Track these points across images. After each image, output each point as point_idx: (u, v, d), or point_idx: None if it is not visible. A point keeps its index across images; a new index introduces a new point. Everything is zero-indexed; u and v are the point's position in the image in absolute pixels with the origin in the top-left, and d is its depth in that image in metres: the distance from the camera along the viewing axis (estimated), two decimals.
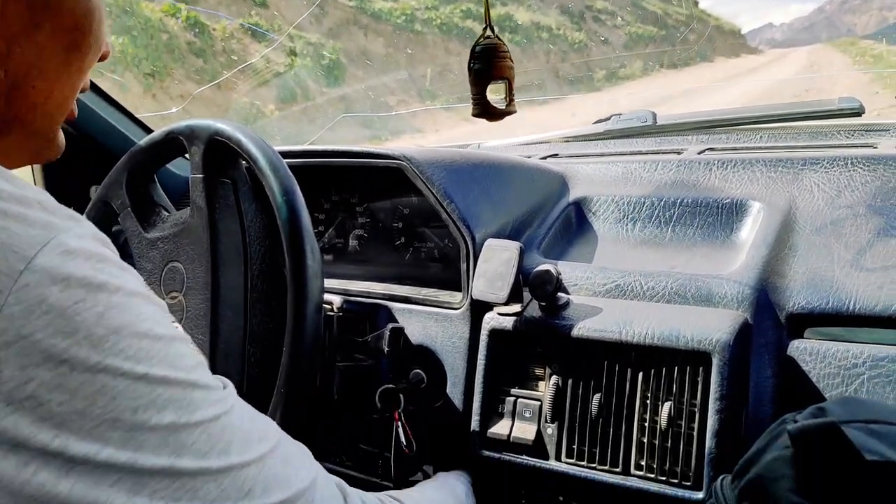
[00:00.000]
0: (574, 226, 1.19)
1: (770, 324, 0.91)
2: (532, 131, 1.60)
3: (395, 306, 1.13)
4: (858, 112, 1.21)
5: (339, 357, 1.06)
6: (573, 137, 1.50)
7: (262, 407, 0.84)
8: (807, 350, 0.87)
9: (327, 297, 1.08)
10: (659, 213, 1.13)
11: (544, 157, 1.41)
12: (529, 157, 1.42)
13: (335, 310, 1.07)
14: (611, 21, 28.67)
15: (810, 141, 1.25)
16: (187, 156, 0.99)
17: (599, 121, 1.48)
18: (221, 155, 0.94)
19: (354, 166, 1.17)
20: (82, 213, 1.02)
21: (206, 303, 0.94)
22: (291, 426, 0.81)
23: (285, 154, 1.17)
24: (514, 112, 0.87)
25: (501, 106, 0.87)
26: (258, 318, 0.95)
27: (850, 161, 1.05)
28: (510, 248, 0.99)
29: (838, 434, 0.45)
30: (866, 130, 1.22)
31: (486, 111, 0.87)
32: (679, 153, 1.27)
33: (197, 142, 0.95)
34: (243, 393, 0.92)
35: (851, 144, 1.18)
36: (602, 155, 1.37)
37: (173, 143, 1.01)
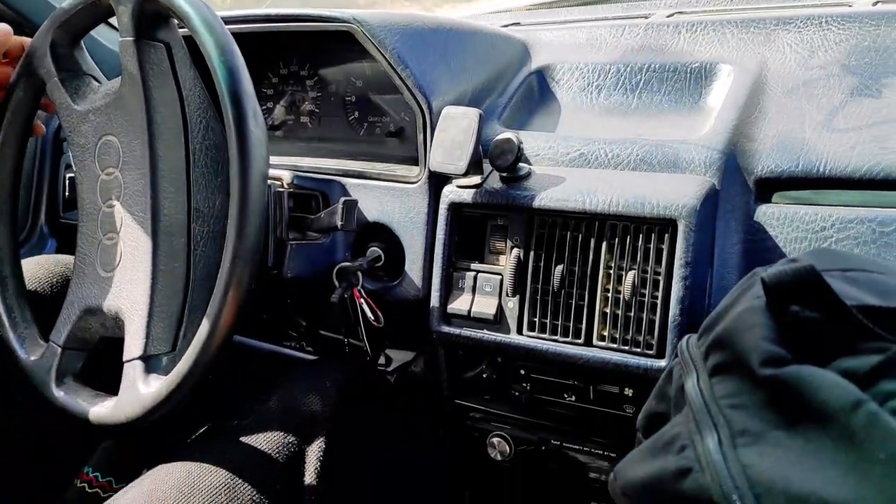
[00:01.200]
0: (536, 95, 1.13)
1: (738, 189, 0.88)
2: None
3: (349, 182, 1.08)
4: None
5: (291, 235, 1.01)
6: (536, 5, 1.42)
7: (209, 285, 0.80)
8: (774, 215, 0.85)
9: (277, 173, 1.02)
10: (625, 79, 1.07)
11: (505, 25, 1.33)
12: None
13: (285, 185, 1.01)
14: None
15: (783, 1, 1.19)
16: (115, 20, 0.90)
17: None
18: (152, 15, 0.86)
19: (301, 32, 1.08)
20: None
21: (145, 178, 0.88)
22: (240, 303, 0.77)
23: (228, 20, 1.09)
24: None
25: None
26: (202, 194, 0.89)
27: (824, 20, 1.00)
28: (469, 116, 0.93)
29: (816, 279, 0.42)
30: None
31: None
32: (647, 17, 1.20)
33: (125, 0, 0.86)
34: (189, 272, 0.88)
35: (825, 3, 1.12)
36: (566, 22, 1.30)
37: (99, 4, 0.91)
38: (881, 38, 0.94)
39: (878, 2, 1.07)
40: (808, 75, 0.95)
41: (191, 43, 0.83)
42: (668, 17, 1.18)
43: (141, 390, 0.82)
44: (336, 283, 1.02)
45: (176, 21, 0.85)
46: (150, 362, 0.84)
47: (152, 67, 0.87)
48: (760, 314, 0.44)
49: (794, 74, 0.96)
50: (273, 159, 1.15)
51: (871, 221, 0.79)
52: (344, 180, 1.08)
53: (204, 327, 0.77)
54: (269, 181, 0.98)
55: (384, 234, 1.05)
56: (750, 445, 0.38)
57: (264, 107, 1.26)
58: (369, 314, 1.02)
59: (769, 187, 0.87)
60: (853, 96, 0.90)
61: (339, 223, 0.96)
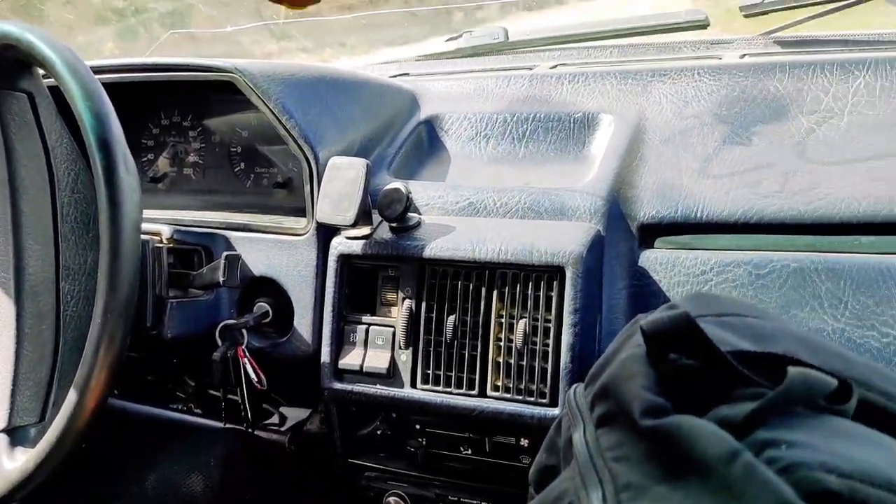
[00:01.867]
0: (426, 144, 1.13)
1: (622, 235, 0.89)
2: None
3: (233, 235, 1.04)
4: (704, 25, 1.21)
5: (172, 293, 0.96)
6: (424, 56, 1.43)
7: (81, 347, 0.74)
8: (657, 259, 0.87)
9: (156, 227, 0.97)
10: (512, 129, 1.09)
11: (394, 76, 1.33)
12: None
13: (164, 240, 0.96)
14: None
15: (659, 54, 1.24)
16: None
17: (451, 38, 1.41)
18: (12, 63, 0.81)
19: (182, 82, 1.05)
20: None
21: (6, 236, 0.82)
22: (114, 364, 0.72)
23: (101, 69, 1.04)
24: (318, 1, 0.76)
25: None
26: (72, 251, 0.84)
27: (696, 72, 1.04)
28: (356, 166, 0.92)
29: (691, 325, 0.42)
30: (712, 43, 1.23)
31: None
32: (531, 69, 1.23)
33: None
34: (58, 334, 0.82)
35: (698, 56, 1.18)
36: (454, 73, 1.31)
37: None
38: (749, 89, 0.99)
39: (745, 55, 1.13)
40: (683, 125, 0.98)
41: (57, 93, 0.79)
42: (551, 68, 1.21)
43: (5, 466, 0.75)
44: (219, 342, 0.97)
45: (39, 70, 0.81)
46: (16, 435, 0.78)
47: (14, 119, 0.82)
48: (641, 363, 0.44)
49: (670, 124, 0.99)
50: (154, 213, 1.10)
51: (748, 264, 0.82)
52: (228, 234, 1.04)
53: (73, 393, 0.72)
54: (147, 237, 0.94)
55: (272, 289, 1.01)
56: (633, 500, 0.37)
57: (145, 158, 1.21)
58: (252, 375, 0.97)
59: (651, 233, 0.89)
60: (726, 144, 0.93)
61: (221, 279, 0.92)
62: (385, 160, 1.07)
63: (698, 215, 0.86)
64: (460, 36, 1.38)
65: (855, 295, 0.77)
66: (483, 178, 1.04)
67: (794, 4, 1.14)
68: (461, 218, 0.95)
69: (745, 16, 1.17)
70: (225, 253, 0.93)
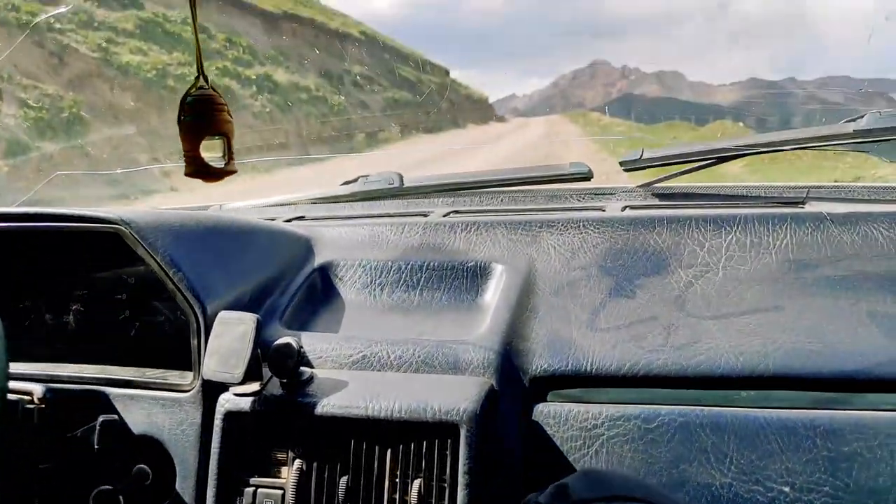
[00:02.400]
0: (319, 293, 1.12)
1: (515, 388, 0.90)
2: (295, 190, 1.52)
3: (114, 392, 0.98)
4: (587, 177, 1.28)
5: (43, 458, 0.89)
6: (320, 199, 1.44)
7: None
8: (550, 413, 0.87)
9: (26, 385, 0.91)
10: (406, 277, 1.10)
11: (289, 220, 1.33)
12: (273, 220, 1.34)
13: (36, 401, 0.90)
14: (368, 85, 29.35)
15: (547, 203, 1.29)
16: None
17: (346, 182, 1.43)
18: None
19: (66, 231, 1.01)
20: None
21: None
22: None
23: None
24: (234, 172, 0.77)
25: (219, 164, 0.77)
26: None
27: (581, 223, 1.09)
28: (246, 321, 0.89)
29: None
30: (595, 194, 1.29)
31: (201, 170, 0.77)
32: (426, 215, 1.26)
33: None
34: None
35: (583, 207, 1.24)
36: (349, 217, 1.33)
37: None
38: (631, 242, 1.04)
39: (626, 207, 1.19)
40: (571, 276, 1.02)
41: None
42: (444, 216, 1.24)
43: None
44: None
45: None
46: None
47: None
48: None
49: (559, 274, 1.03)
50: (29, 367, 1.03)
51: (637, 418, 0.83)
52: (109, 390, 0.98)
53: None
54: (17, 397, 0.88)
55: (153, 451, 0.95)
56: None
57: (23, 304, 1.15)
58: None
59: (543, 386, 0.90)
60: (612, 296, 0.97)
61: (96, 445, 0.86)
62: (277, 310, 1.05)
63: (588, 368, 0.88)
64: (356, 180, 1.41)
65: (739, 450, 0.79)
66: (377, 328, 1.03)
67: (669, 162, 1.21)
68: (355, 372, 0.94)
69: (625, 170, 1.25)
70: (101, 417, 0.88)
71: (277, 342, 0.89)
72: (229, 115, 0.79)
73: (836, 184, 1.19)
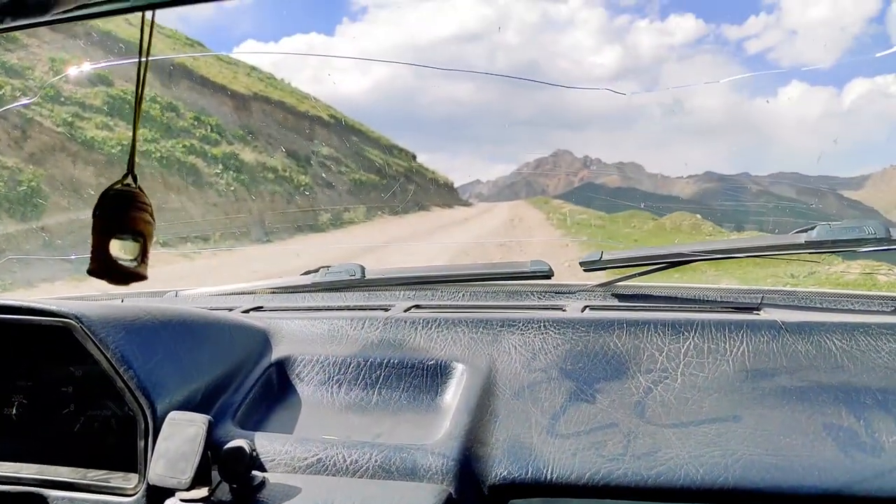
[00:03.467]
0: (275, 389, 1.09)
1: (474, 497, 0.87)
2: (258, 268, 1.50)
3: (52, 495, 0.93)
4: (548, 275, 1.29)
5: None
6: (280, 288, 1.43)
7: None
8: None
9: None
10: (365, 374, 1.07)
11: (247, 311, 1.31)
12: (232, 310, 1.31)
13: None
14: (335, 167, 29.42)
15: (507, 300, 1.29)
16: None
17: (308, 272, 1.42)
18: None
19: (12, 323, 0.98)
20: None
21: None
22: None
23: None
24: (144, 278, 0.71)
25: (129, 266, 0.71)
26: None
27: (542, 324, 1.09)
28: (196, 423, 0.86)
29: None
30: (556, 292, 1.30)
31: (105, 270, 0.69)
32: (387, 309, 1.25)
33: None
34: None
35: (543, 306, 1.24)
36: (309, 309, 1.31)
37: None
38: (591, 344, 1.04)
39: (586, 307, 1.19)
40: (531, 378, 1.01)
41: None
42: (406, 310, 1.23)
43: None
44: None
45: None
46: None
47: None
48: None
49: (519, 376, 1.02)
50: None
51: None
52: (48, 493, 0.93)
53: None
54: None
55: None
56: None
57: None
58: None
59: (503, 494, 0.88)
60: (572, 400, 0.96)
61: None
62: (231, 408, 1.01)
63: (548, 477, 0.86)
64: (317, 270, 1.40)
65: None
66: (334, 428, 1.00)
67: (628, 264, 1.23)
68: (309, 477, 0.90)
69: (585, 270, 1.26)
70: None
71: (229, 445, 0.85)
72: (151, 216, 0.75)
73: (790, 289, 1.21)
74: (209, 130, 20.24)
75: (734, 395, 0.93)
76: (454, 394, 1.02)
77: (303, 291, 1.41)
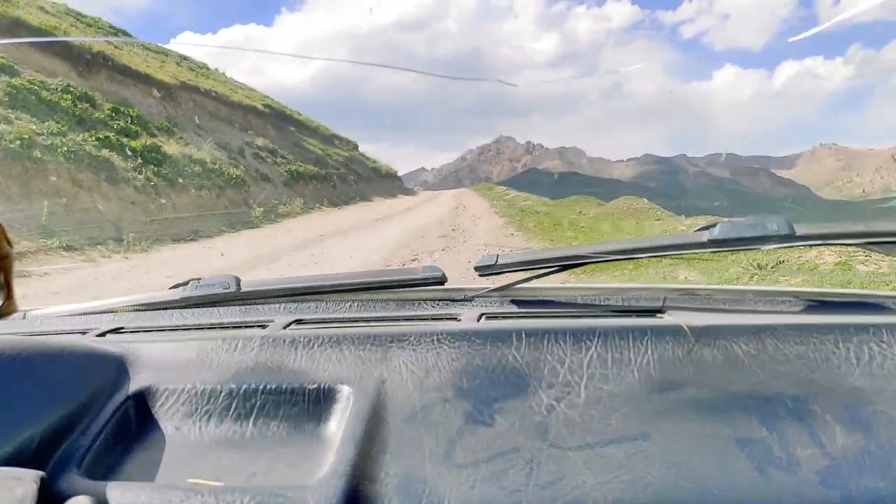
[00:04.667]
0: (133, 426, 0.96)
1: None
2: (174, 271, 1.36)
3: None
4: (441, 281, 1.21)
5: None
6: (144, 305, 1.28)
7: None
8: None
9: None
10: (238, 403, 0.95)
11: (104, 333, 1.16)
12: (86, 332, 1.16)
13: None
14: (271, 158, 28.24)
15: (399, 310, 1.20)
16: None
17: (176, 286, 1.29)
18: None
19: None
20: None
21: None
22: None
23: None
24: (14, 311, 0.61)
25: None
26: None
27: (435, 338, 0.99)
28: (25, 482, 0.73)
29: None
30: (450, 300, 1.21)
31: None
32: (265, 326, 1.13)
33: None
34: None
35: (437, 315, 1.15)
36: (177, 329, 1.17)
37: None
38: (488, 358, 0.95)
39: (482, 315, 1.11)
40: (425, 399, 0.91)
41: None
42: (285, 326, 1.11)
43: None
44: None
45: None
46: None
47: None
48: None
49: (411, 398, 0.92)
50: None
51: None
52: None
53: None
54: None
55: None
56: None
57: None
58: None
59: None
60: (468, 424, 0.87)
61: None
62: (76, 455, 0.87)
63: None
64: (187, 283, 1.26)
65: None
66: (203, 469, 0.88)
67: (525, 267, 1.15)
68: None
69: (480, 275, 1.18)
70: None
71: (70, 501, 0.73)
72: (9, 244, 0.63)
73: (693, 286, 1.16)
74: (128, 122, 18.96)
75: (641, 410, 0.86)
76: (339, 422, 0.91)
77: (170, 308, 1.27)
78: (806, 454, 0.78)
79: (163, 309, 1.29)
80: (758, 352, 0.91)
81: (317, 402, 0.95)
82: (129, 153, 16.66)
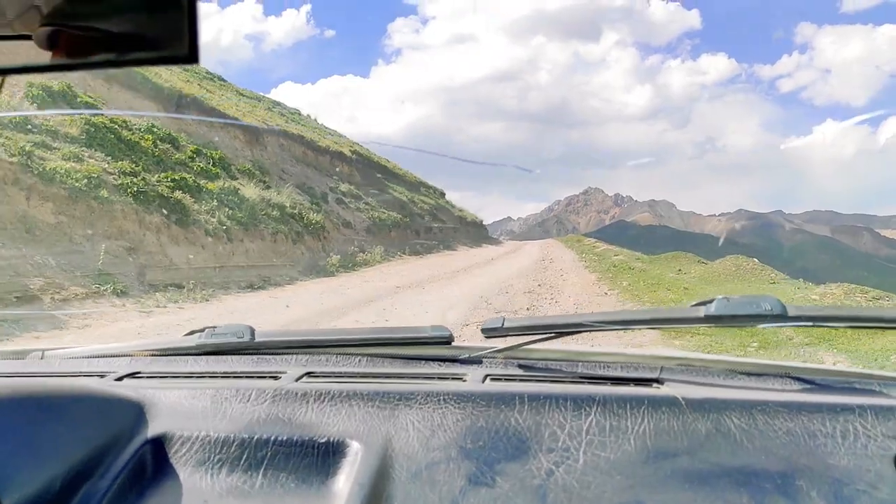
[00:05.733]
0: (149, 472, 1.00)
1: None
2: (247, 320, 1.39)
3: None
4: (448, 340, 1.25)
5: None
6: (160, 351, 1.33)
7: None
8: None
9: None
10: (250, 454, 0.99)
11: (121, 377, 1.22)
12: (104, 376, 1.22)
13: None
14: (354, 204, 26.57)
15: (406, 368, 1.24)
16: None
17: (191, 332, 1.34)
18: None
19: None
20: None
21: None
22: None
23: None
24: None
25: None
26: None
27: (442, 397, 1.03)
28: None
29: None
30: (456, 359, 1.25)
31: None
32: (277, 377, 1.17)
33: None
34: None
35: (443, 374, 1.18)
36: (191, 376, 1.22)
37: None
38: (491, 419, 0.99)
39: (487, 376, 1.13)
40: (430, 458, 0.95)
41: None
42: (297, 378, 1.15)
43: None
44: None
45: None
46: None
47: None
48: None
49: (417, 456, 0.95)
50: None
51: None
52: None
53: None
54: None
55: None
56: None
57: None
58: None
59: None
60: (471, 484, 0.90)
61: None
62: (95, 497, 0.91)
63: None
64: (202, 330, 1.32)
65: None
66: None
67: (529, 332, 1.19)
68: None
69: (487, 337, 1.21)
70: None
71: None
72: None
73: (689, 354, 1.19)
74: (210, 164, 17.91)
75: (636, 479, 0.89)
76: (347, 476, 0.95)
77: (185, 355, 1.32)
78: None
79: (178, 355, 1.34)
80: (749, 426, 0.93)
81: (325, 455, 0.98)
82: (205, 195, 15.64)
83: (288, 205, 19.41)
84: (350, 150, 32.35)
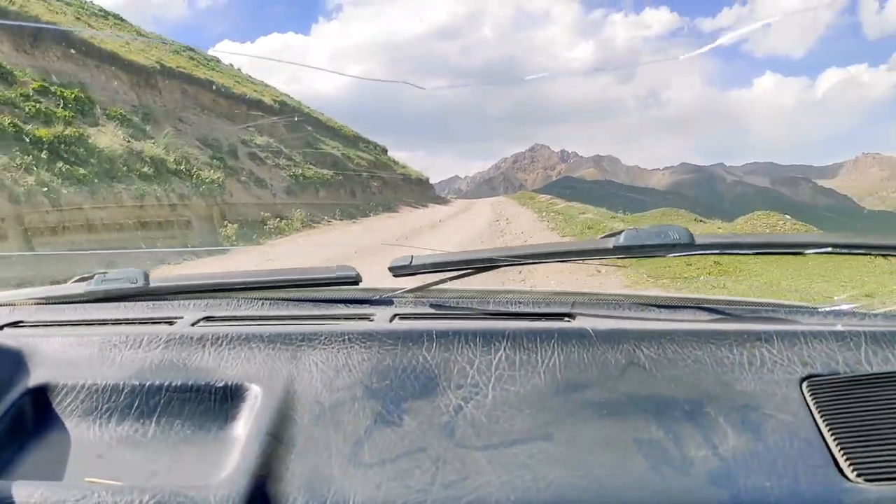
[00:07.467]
0: (30, 424, 0.92)
1: None
2: None
3: None
4: (355, 280, 1.20)
5: None
6: (45, 299, 1.23)
7: None
8: None
9: None
10: (141, 402, 0.93)
11: (1, 327, 1.12)
12: None
13: None
14: (272, 160, 22.51)
15: (312, 310, 1.19)
16: None
17: (81, 279, 1.24)
18: None
19: None
20: None
21: None
22: None
23: None
24: None
25: None
26: None
27: (346, 337, 0.99)
28: None
29: None
30: (364, 300, 1.21)
31: None
32: (172, 322, 1.10)
33: None
34: None
35: (349, 315, 1.15)
36: (79, 324, 1.13)
37: None
38: (399, 358, 0.96)
39: (395, 315, 1.11)
40: (334, 398, 0.91)
41: None
42: (193, 324, 1.09)
43: None
44: None
45: None
46: None
47: None
48: None
49: (321, 397, 0.92)
50: None
51: None
52: None
53: None
54: None
55: None
56: None
57: None
58: None
59: None
60: (377, 424, 0.87)
61: None
62: None
63: None
64: (92, 276, 1.22)
65: None
66: (102, 468, 0.86)
67: (439, 269, 1.17)
68: None
69: (395, 276, 1.18)
70: None
71: None
72: None
73: (601, 292, 1.19)
74: (59, 105, 14.20)
75: (546, 411, 0.88)
76: (246, 421, 0.90)
77: (73, 302, 1.23)
78: (699, 455, 0.81)
79: (65, 303, 1.24)
80: (658, 356, 0.94)
81: (223, 400, 0.93)
82: (27, 145, 12.18)
83: (170, 159, 15.77)
84: (273, 99, 29.05)
